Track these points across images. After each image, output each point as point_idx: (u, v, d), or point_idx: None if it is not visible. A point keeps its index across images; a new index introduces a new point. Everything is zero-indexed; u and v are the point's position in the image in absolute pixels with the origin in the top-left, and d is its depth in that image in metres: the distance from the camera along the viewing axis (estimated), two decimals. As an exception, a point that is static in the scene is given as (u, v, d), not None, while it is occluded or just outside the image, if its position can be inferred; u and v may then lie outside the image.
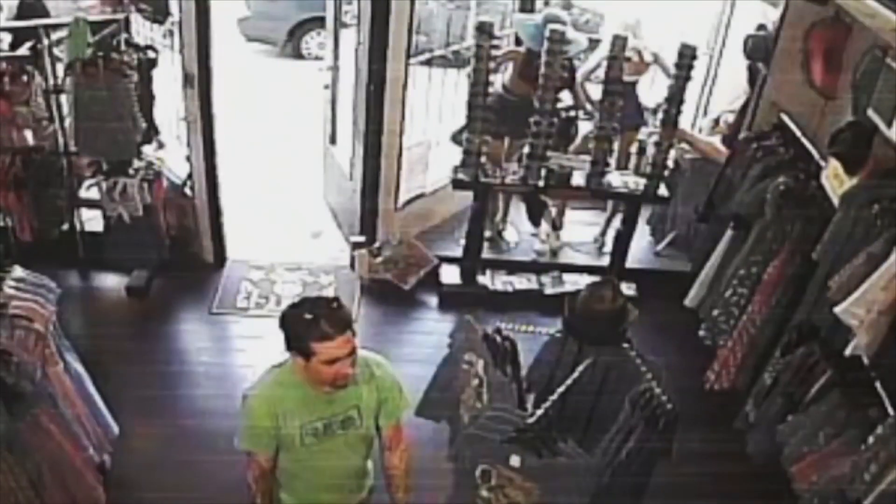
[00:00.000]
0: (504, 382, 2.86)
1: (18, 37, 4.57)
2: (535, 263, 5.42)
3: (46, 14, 4.70)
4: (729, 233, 4.39)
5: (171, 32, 4.75)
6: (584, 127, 5.33)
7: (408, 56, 4.65)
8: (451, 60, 5.98)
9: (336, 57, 5.44)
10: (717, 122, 5.62)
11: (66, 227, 4.85)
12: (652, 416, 2.66)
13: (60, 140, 4.56)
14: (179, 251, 5.01)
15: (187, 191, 4.99)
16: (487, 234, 5.35)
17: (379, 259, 5.10)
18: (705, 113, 6.02)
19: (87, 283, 5.03)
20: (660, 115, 4.83)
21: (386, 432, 2.57)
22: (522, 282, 5.24)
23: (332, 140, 5.75)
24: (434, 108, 5.55)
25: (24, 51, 4.38)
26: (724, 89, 5.82)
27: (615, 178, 4.89)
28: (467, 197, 5.04)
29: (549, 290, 5.16)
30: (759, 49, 4.78)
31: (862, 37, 3.64)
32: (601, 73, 4.86)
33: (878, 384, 2.92)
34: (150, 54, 4.63)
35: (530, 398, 3.09)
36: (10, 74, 4.26)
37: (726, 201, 4.44)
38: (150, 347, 4.53)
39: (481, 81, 4.52)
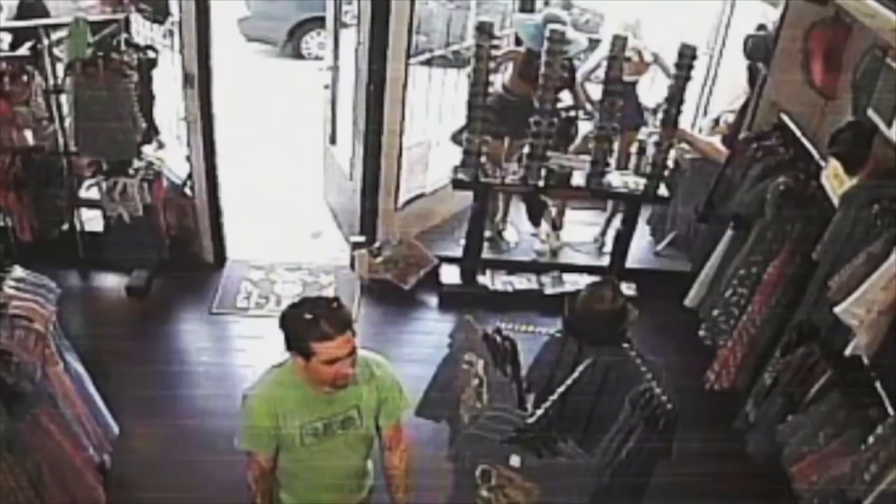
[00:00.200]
0: (504, 382, 2.86)
1: (18, 37, 4.57)
2: (535, 263, 5.42)
3: (46, 14, 4.70)
4: (729, 233, 4.38)
5: (171, 32, 4.74)
6: (584, 127, 5.33)
7: (408, 56, 4.65)
8: (451, 60, 5.98)
9: (336, 57, 5.44)
10: (717, 122, 5.62)
11: (66, 227, 4.85)
12: (652, 416, 2.66)
13: (60, 140, 4.56)
14: (179, 251, 5.01)
15: (187, 191, 4.99)
16: (487, 234, 5.34)
17: (379, 259, 5.10)
18: (705, 113, 6.02)
19: (87, 283, 5.03)
20: (660, 115, 4.83)
21: (386, 432, 2.57)
22: (522, 282, 5.24)
23: (332, 140, 5.75)
24: (434, 108, 5.55)
25: (24, 51, 4.37)
26: (724, 89, 5.82)
27: (615, 178, 4.89)
28: (467, 197, 5.04)
29: (549, 290, 5.16)
30: (759, 49, 4.77)
31: (862, 37, 3.64)
32: (601, 73, 4.86)
33: (878, 384, 2.92)
34: (150, 54, 4.63)
35: (530, 398, 3.09)
36: (10, 74, 4.25)
37: (726, 201, 4.44)
38: (150, 347, 4.52)
39: (481, 81, 4.52)
